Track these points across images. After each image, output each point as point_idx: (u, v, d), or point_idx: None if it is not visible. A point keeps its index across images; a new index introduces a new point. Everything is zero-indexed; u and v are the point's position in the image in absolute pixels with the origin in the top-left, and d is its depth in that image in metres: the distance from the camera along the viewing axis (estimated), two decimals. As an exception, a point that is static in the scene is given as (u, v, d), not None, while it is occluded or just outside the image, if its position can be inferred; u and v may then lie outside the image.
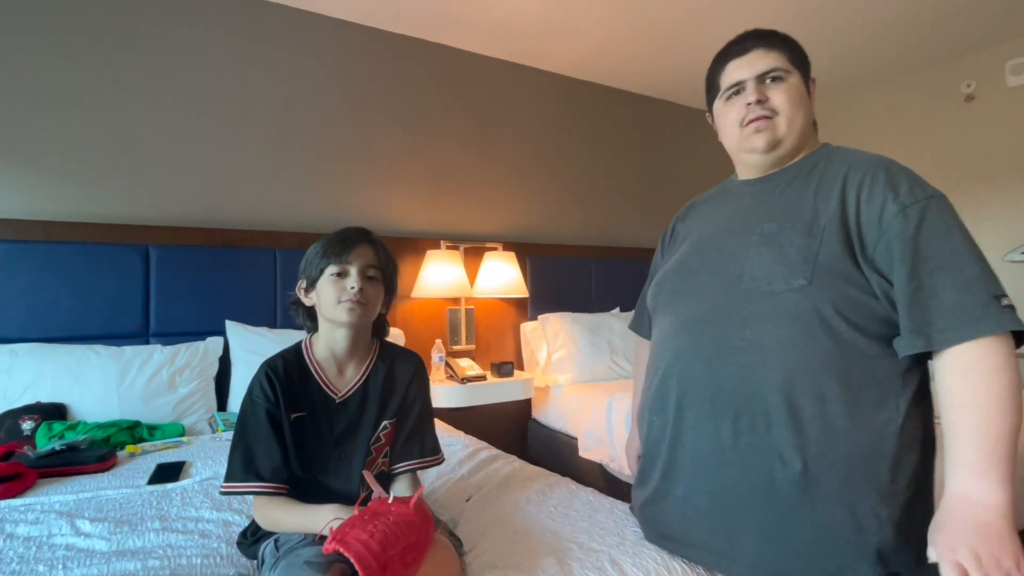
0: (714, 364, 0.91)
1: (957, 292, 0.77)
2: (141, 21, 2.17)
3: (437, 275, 2.50)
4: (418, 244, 2.67)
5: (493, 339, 2.89)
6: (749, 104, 0.95)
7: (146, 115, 2.17)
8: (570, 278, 3.09)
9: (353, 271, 1.04)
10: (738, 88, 0.97)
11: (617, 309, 3.13)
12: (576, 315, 2.84)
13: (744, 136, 0.97)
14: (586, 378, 2.68)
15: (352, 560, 0.75)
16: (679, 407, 0.96)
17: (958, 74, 3.07)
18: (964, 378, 0.76)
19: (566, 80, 3.27)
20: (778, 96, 0.94)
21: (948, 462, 0.77)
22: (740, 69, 0.97)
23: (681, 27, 2.70)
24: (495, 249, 2.79)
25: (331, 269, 1.04)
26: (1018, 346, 0.79)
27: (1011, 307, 0.77)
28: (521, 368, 2.94)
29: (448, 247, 2.69)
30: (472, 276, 2.71)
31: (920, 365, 0.86)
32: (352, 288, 1.02)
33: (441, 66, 2.85)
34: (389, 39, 2.70)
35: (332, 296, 1.03)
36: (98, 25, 2.09)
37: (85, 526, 1.13)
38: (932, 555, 0.73)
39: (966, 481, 0.74)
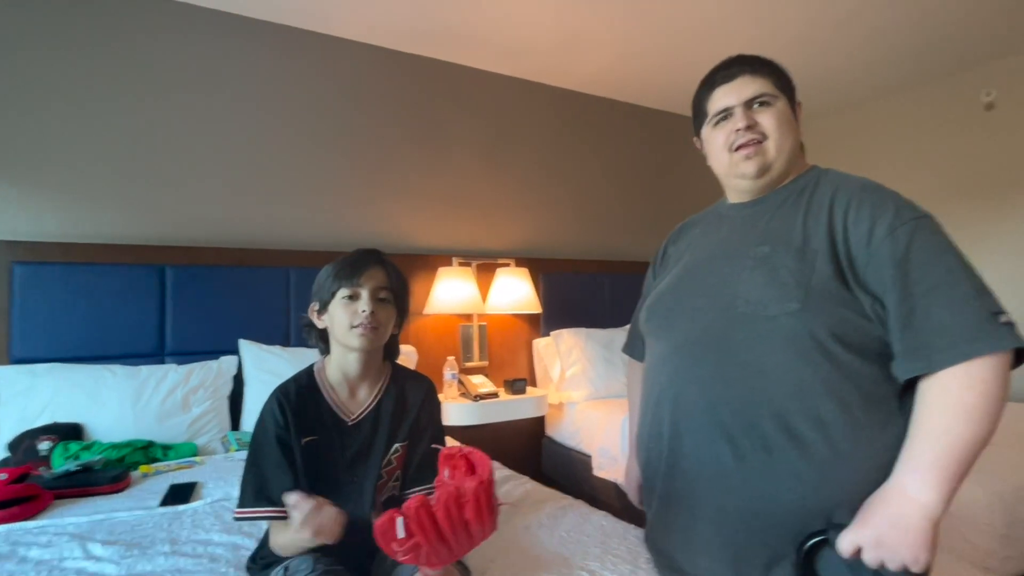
0: (709, 388, 0.90)
1: (952, 311, 0.76)
2: (157, 44, 2.22)
3: (449, 292, 2.50)
4: (430, 261, 2.68)
5: (506, 355, 2.88)
6: (738, 130, 0.95)
7: (162, 136, 2.21)
8: (583, 293, 3.07)
9: (364, 294, 1.04)
10: (726, 114, 0.97)
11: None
12: (590, 331, 2.82)
13: (734, 162, 0.97)
14: (600, 395, 2.64)
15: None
16: (674, 433, 0.94)
17: (977, 83, 3.02)
18: (941, 389, 0.76)
19: (578, 96, 3.28)
20: (766, 120, 0.94)
21: (900, 456, 0.78)
22: (727, 95, 0.96)
23: (691, 41, 2.70)
24: (507, 265, 2.79)
25: (343, 292, 1.04)
26: (1019, 363, 0.77)
27: (1010, 324, 0.75)
28: (534, 385, 2.91)
29: (460, 263, 2.69)
30: (484, 292, 2.71)
31: (915, 384, 0.84)
32: (364, 311, 1.02)
33: (453, 84, 2.87)
34: (402, 59, 2.74)
35: (344, 320, 1.03)
36: (115, 48, 2.15)
37: (96, 549, 1.14)
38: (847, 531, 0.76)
39: (907, 475, 0.75)
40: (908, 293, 0.79)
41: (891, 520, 0.73)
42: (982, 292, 0.77)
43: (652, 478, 1.00)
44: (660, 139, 3.58)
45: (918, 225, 0.81)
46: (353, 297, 1.04)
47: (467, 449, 0.86)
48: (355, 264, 1.05)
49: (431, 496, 0.81)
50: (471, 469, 0.83)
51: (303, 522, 0.84)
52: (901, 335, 0.79)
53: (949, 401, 0.74)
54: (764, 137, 0.94)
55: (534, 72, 3.03)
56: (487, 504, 0.78)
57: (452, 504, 0.78)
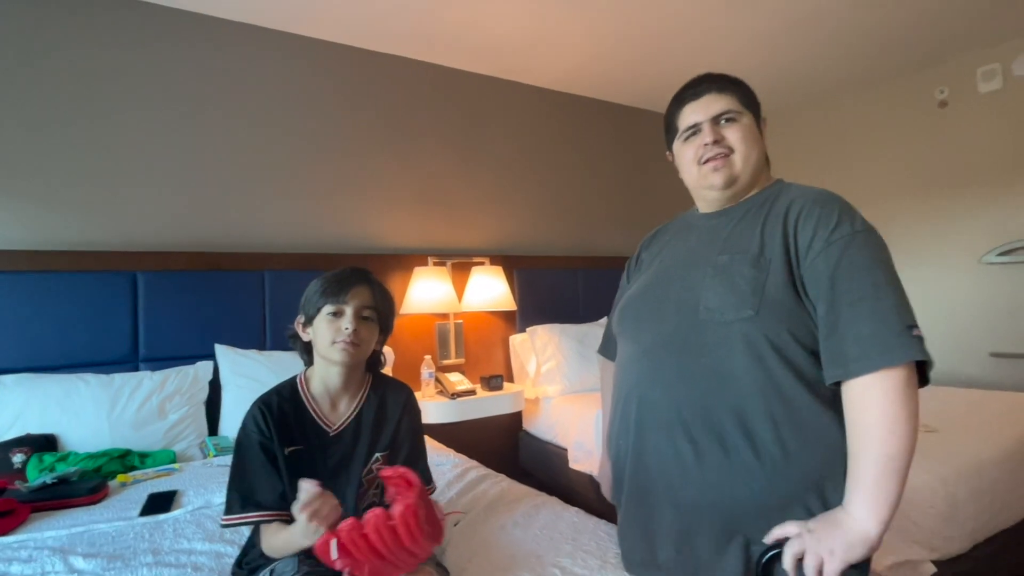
0: (673, 389, 0.96)
1: (871, 324, 0.82)
2: (125, 47, 2.18)
3: (425, 291, 2.52)
4: (406, 261, 2.70)
5: (482, 353, 2.92)
6: (706, 144, 1.00)
7: (130, 140, 2.18)
8: (557, 289, 3.13)
9: (349, 311, 1.07)
10: (695, 129, 1.03)
11: (605, 319, 3.16)
12: (564, 326, 2.88)
13: (702, 174, 1.03)
14: (575, 389, 2.71)
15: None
16: (640, 431, 1.00)
17: (932, 81, 3.14)
18: (854, 406, 0.83)
19: (550, 93, 3.31)
20: (732, 135, 1.00)
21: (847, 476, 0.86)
22: (695, 112, 1.03)
23: (661, 39, 2.75)
24: (482, 263, 2.82)
25: (328, 308, 1.08)
26: (926, 382, 0.84)
27: (920, 338, 0.81)
28: (511, 380, 2.96)
29: (435, 263, 2.72)
30: (460, 291, 2.74)
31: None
32: (346, 329, 1.06)
33: (426, 83, 2.87)
34: (374, 58, 2.73)
35: (327, 335, 1.07)
36: (81, 51, 2.10)
37: (78, 562, 1.14)
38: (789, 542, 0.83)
39: (848, 495, 0.83)
40: (834, 303, 0.85)
41: (829, 526, 0.81)
42: (901, 306, 0.83)
43: (620, 473, 1.07)
44: (632, 135, 3.64)
45: (853, 239, 0.87)
46: (337, 314, 1.08)
47: (402, 470, 0.92)
48: (342, 282, 1.09)
49: (362, 519, 0.86)
50: (410, 485, 0.89)
51: (305, 503, 0.86)
52: (826, 343, 0.86)
53: (865, 425, 0.81)
54: (731, 151, 1.00)
55: (507, 70, 3.04)
56: (416, 526, 0.83)
57: (383, 528, 0.83)
